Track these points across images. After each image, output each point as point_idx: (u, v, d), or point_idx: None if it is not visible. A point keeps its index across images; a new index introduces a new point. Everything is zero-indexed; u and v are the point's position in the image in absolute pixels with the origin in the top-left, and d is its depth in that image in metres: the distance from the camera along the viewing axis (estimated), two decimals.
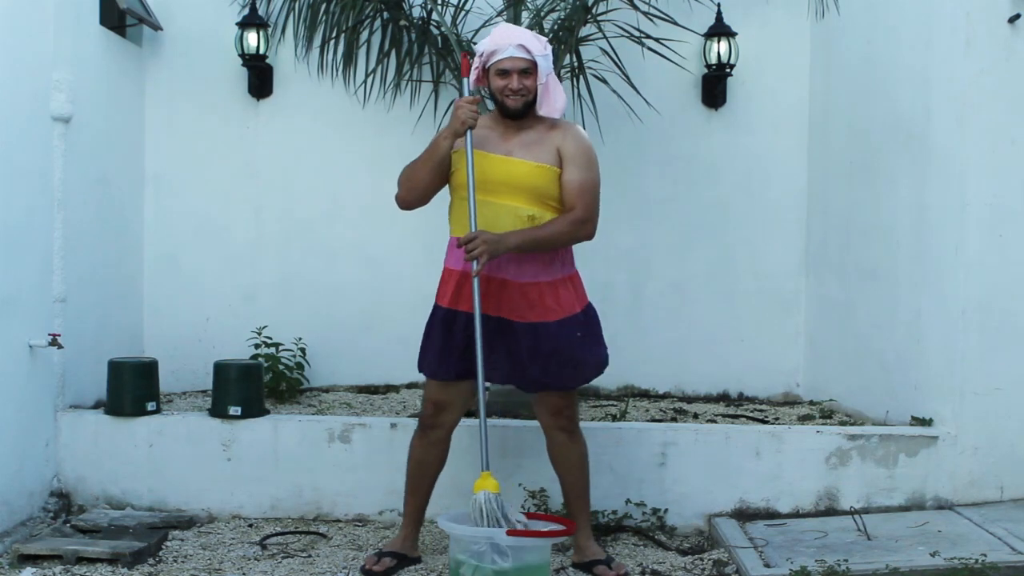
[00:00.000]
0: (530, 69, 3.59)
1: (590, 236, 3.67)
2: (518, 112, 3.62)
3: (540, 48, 3.62)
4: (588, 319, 3.75)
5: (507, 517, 3.40)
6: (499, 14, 5.14)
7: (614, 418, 4.87)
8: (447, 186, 3.74)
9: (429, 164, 3.62)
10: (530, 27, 4.96)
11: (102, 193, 5.00)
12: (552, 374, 3.67)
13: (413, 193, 3.69)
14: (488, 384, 3.67)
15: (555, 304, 3.65)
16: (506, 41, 3.60)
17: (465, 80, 3.67)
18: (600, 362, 3.78)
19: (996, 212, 4.26)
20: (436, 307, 3.73)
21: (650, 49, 5.12)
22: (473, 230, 3.50)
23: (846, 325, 5.24)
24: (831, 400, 5.34)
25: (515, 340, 3.64)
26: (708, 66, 5.59)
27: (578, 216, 3.60)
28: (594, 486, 4.01)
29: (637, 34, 5.08)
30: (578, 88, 5.26)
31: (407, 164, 3.73)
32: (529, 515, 3.68)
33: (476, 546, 3.32)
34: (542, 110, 3.66)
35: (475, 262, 3.46)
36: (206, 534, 4.23)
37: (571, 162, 3.63)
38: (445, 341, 3.67)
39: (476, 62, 3.67)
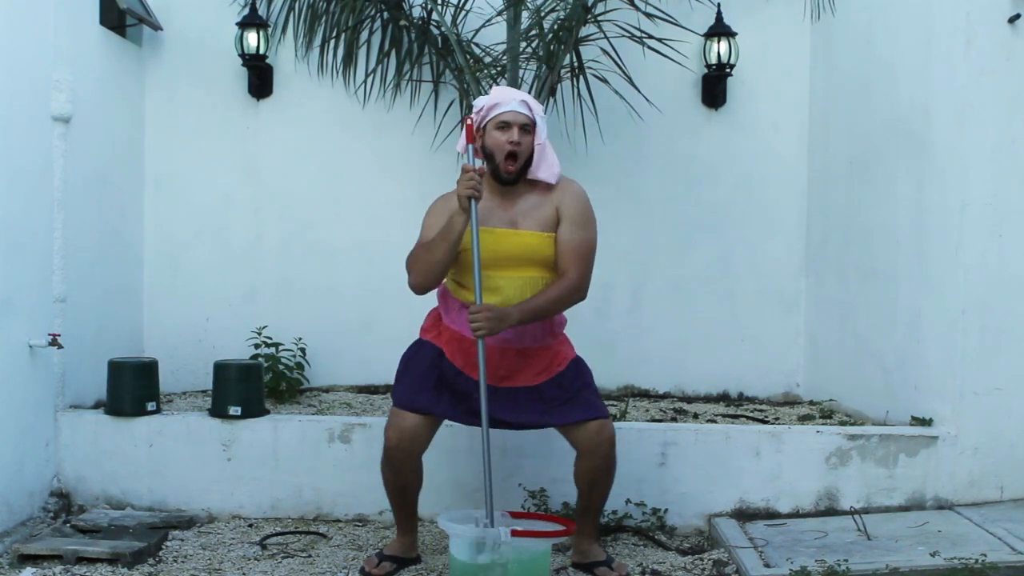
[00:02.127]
0: (530, 127, 3.58)
1: (583, 298, 3.64)
2: (512, 179, 3.59)
3: (539, 109, 3.64)
4: (578, 370, 3.75)
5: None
6: (499, 14, 5.14)
7: (614, 418, 4.86)
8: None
9: (446, 244, 3.51)
10: (530, 27, 4.98)
11: (102, 193, 5.00)
12: (582, 405, 3.66)
13: (431, 276, 3.57)
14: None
15: (537, 369, 3.68)
16: (508, 96, 3.60)
17: (470, 147, 3.60)
18: (591, 402, 3.71)
19: (996, 212, 4.26)
20: (428, 344, 3.71)
21: (651, 48, 5.12)
22: (479, 303, 3.49)
23: (846, 325, 5.24)
24: (831, 400, 5.34)
25: (526, 398, 3.66)
26: (708, 66, 5.59)
27: (572, 283, 3.57)
28: None
29: (637, 34, 5.08)
30: (578, 88, 5.27)
31: (413, 250, 3.63)
32: (529, 515, 3.68)
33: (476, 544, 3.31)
34: (540, 174, 3.62)
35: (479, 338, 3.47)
36: (206, 534, 4.24)
37: (569, 220, 3.60)
38: (434, 378, 3.64)
39: (474, 119, 3.62)
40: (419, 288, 3.62)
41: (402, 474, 3.69)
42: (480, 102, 3.65)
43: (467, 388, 3.62)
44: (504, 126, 3.56)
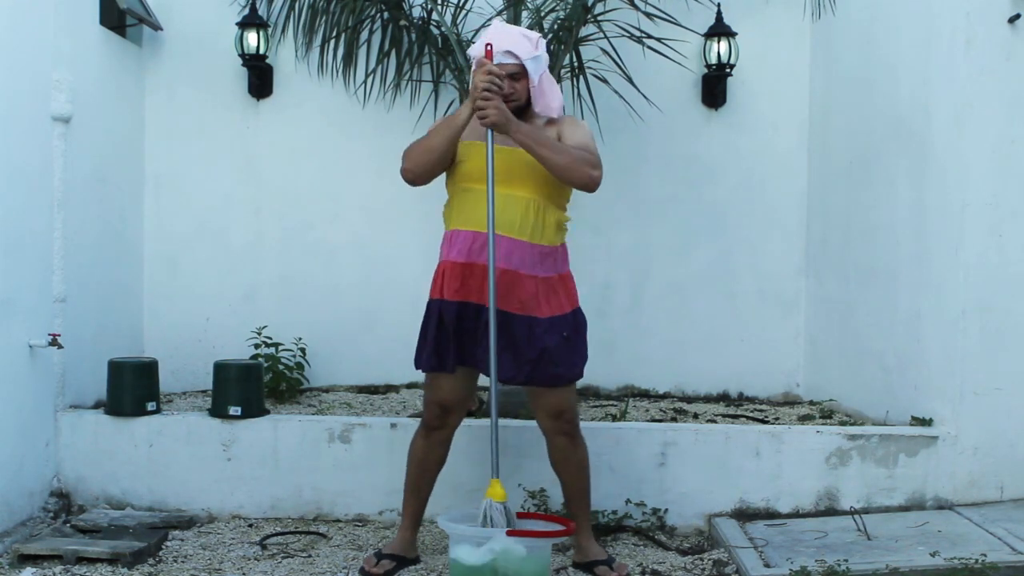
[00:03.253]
0: (519, 73, 3.58)
1: (592, 185, 3.58)
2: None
3: (530, 49, 3.58)
4: (576, 323, 3.73)
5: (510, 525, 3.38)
6: (499, 13, 5.13)
7: (614, 418, 4.87)
8: (444, 179, 3.73)
9: (446, 133, 3.55)
10: (530, 27, 4.96)
11: (102, 193, 5.00)
12: (534, 370, 3.63)
13: (424, 165, 3.59)
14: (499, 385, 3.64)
15: (546, 301, 3.64)
16: (495, 45, 3.56)
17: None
18: (575, 375, 3.73)
19: (996, 212, 4.26)
20: (430, 301, 3.71)
21: (651, 48, 5.12)
22: (490, 214, 3.47)
23: (846, 325, 5.24)
24: (831, 400, 5.34)
25: (509, 331, 3.60)
26: (708, 66, 5.59)
27: (589, 158, 3.55)
28: (594, 486, 4.01)
29: (637, 34, 5.08)
30: (578, 88, 5.27)
31: (414, 141, 3.68)
32: (529, 515, 3.68)
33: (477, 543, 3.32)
34: (537, 108, 3.65)
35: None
36: (206, 534, 4.24)
37: (572, 131, 3.63)
38: (440, 332, 3.65)
39: (473, 64, 3.66)
40: (410, 175, 3.63)
41: (435, 445, 3.76)
42: (473, 50, 3.66)
43: (468, 319, 3.61)
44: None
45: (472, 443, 4.22)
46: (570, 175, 3.55)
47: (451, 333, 3.63)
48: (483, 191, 3.53)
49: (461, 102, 5.31)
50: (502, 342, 3.56)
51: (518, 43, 3.58)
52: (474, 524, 3.42)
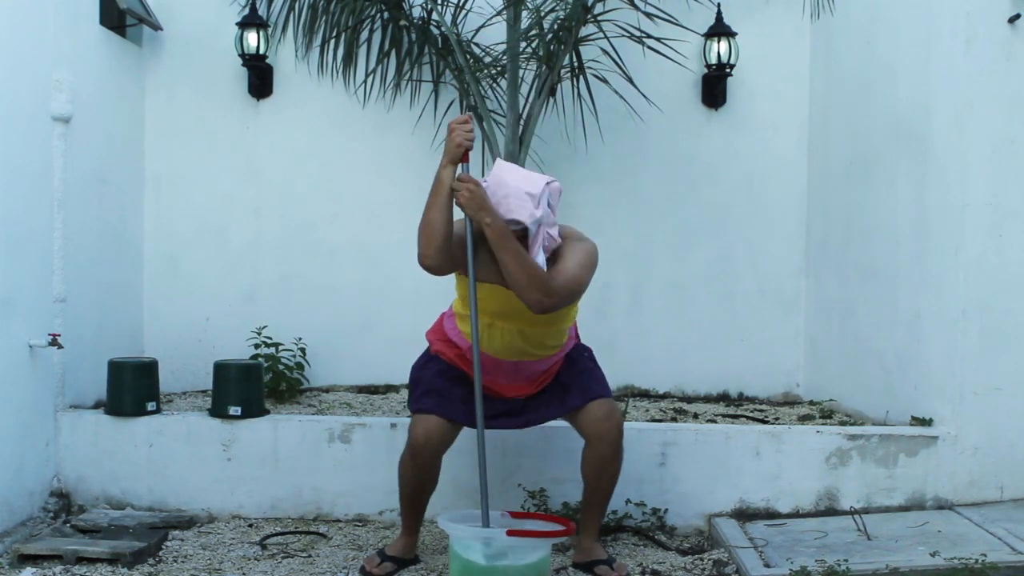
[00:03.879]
0: (517, 233, 3.42)
1: (536, 310, 3.39)
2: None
3: (532, 211, 3.39)
4: (579, 355, 3.83)
5: None
6: (499, 13, 5.14)
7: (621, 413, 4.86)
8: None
9: (438, 204, 3.40)
10: (530, 27, 4.97)
11: (102, 193, 5.00)
12: (584, 389, 3.72)
13: (432, 244, 3.40)
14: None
15: (549, 374, 3.76)
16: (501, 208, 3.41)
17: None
18: (607, 391, 3.81)
19: (996, 212, 4.26)
20: (440, 360, 3.74)
21: (651, 48, 5.12)
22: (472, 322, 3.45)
23: (846, 325, 5.24)
24: (831, 400, 5.34)
25: (537, 398, 3.74)
26: (708, 66, 5.59)
27: (551, 285, 3.37)
28: None
29: (637, 34, 5.08)
30: (578, 88, 5.27)
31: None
32: (529, 515, 3.68)
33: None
34: (532, 254, 3.43)
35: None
36: (206, 534, 4.24)
37: (570, 252, 3.49)
38: (445, 383, 3.69)
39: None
40: (425, 261, 3.44)
41: (424, 472, 3.72)
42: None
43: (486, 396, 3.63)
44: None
45: (472, 443, 4.20)
46: (518, 291, 3.38)
47: (454, 386, 3.68)
48: (502, 327, 3.55)
49: (461, 102, 5.33)
50: (535, 413, 3.73)
51: (520, 209, 3.40)
52: (475, 524, 3.42)
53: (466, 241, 3.44)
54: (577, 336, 3.88)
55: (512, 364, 3.64)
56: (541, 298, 3.37)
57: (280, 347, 5.29)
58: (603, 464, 3.72)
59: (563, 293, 3.42)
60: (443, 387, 3.69)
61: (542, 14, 4.91)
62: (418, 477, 3.72)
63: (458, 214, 3.44)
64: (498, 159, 3.70)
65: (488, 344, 3.58)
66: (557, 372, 3.77)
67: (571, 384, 3.73)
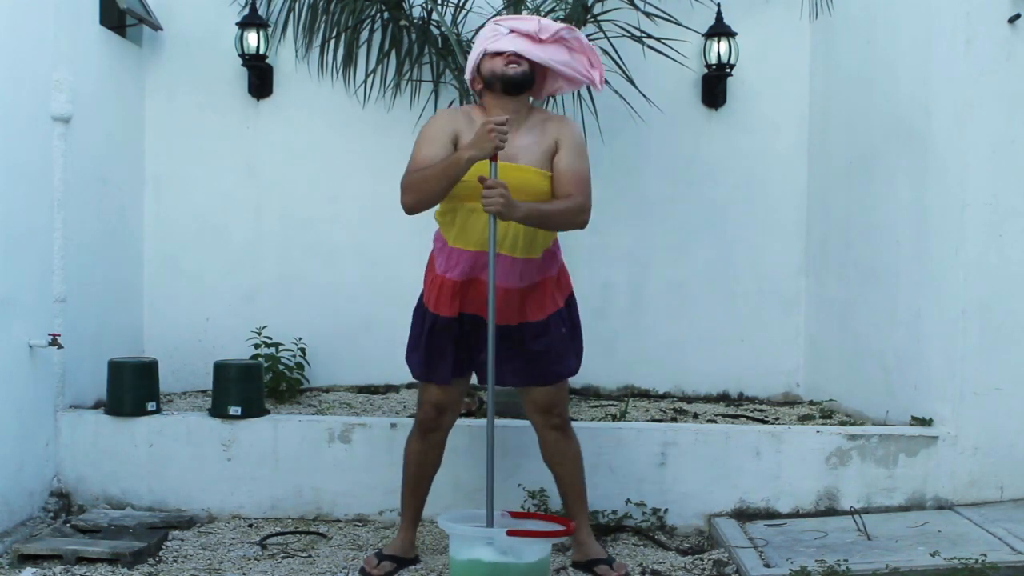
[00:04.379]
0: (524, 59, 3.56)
1: (584, 225, 3.63)
2: (520, 80, 3.55)
3: (533, 50, 3.55)
4: (570, 311, 3.79)
5: None
6: (498, 13, 5.13)
7: (614, 418, 4.87)
8: None
9: (446, 180, 3.45)
10: None
11: (102, 193, 5.00)
12: (536, 371, 3.70)
13: (423, 204, 3.54)
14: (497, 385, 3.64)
15: (539, 306, 3.69)
16: (498, 31, 3.60)
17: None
18: (572, 371, 3.78)
19: (996, 212, 4.26)
20: (425, 311, 3.72)
21: (651, 48, 5.12)
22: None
23: (846, 325, 5.24)
24: (831, 400, 5.34)
25: (508, 340, 3.64)
26: (708, 66, 5.59)
27: (580, 203, 3.56)
28: (594, 486, 4.02)
29: (637, 34, 5.08)
30: (578, 88, 5.26)
31: (415, 171, 3.55)
32: (529, 515, 3.68)
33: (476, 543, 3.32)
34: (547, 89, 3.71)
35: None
36: (206, 534, 4.24)
37: (567, 151, 3.60)
38: (432, 342, 3.68)
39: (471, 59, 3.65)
40: (411, 209, 3.56)
41: (432, 447, 3.77)
42: (471, 59, 3.65)
43: (464, 331, 3.65)
44: (495, 53, 3.56)
45: (472, 443, 4.23)
46: (564, 229, 3.66)
47: (447, 345, 3.67)
48: (478, 209, 3.52)
49: (461, 103, 5.32)
50: (502, 353, 3.60)
51: (525, 38, 3.56)
52: (475, 524, 3.42)
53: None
54: (561, 259, 3.82)
55: (503, 259, 3.55)
56: (583, 219, 3.60)
57: (280, 347, 5.29)
58: (556, 448, 3.78)
59: (586, 193, 3.60)
60: (439, 347, 3.68)
61: (542, 14, 4.91)
62: (424, 454, 3.78)
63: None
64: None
65: (472, 234, 3.56)
66: (532, 335, 3.68)
67: (532, 358, 3.67)
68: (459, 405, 3.85)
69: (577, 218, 3.59)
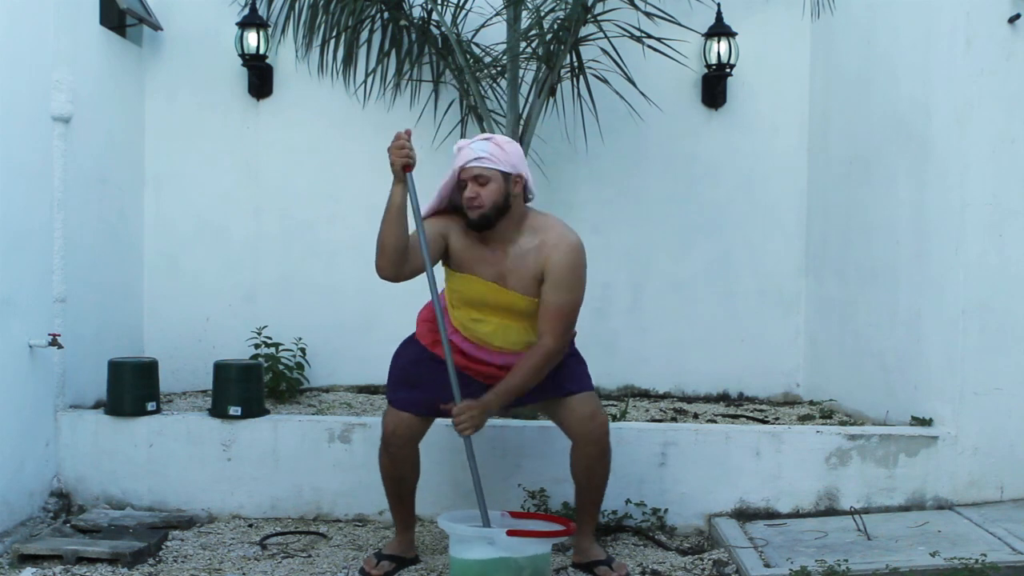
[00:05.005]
0: (484, 177, 3.49)
1: (560, 359, 3.62)
2: (482, 224, 3.52)
3: (506, 156, 3.52)
4: (571, 345, 3.80)
5: None
6: (498, 13, 5.14)
7: (614, 418, 4.86)
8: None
9: (388, 220, 3.47)
10: (530, 27, 4.97)
11: (102, 193, 5.01)
12: (559, 384, 3.70)
13: (385, 256, 3.51)
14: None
15: None
16: (464, 154, 3.54)
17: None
18: (587, 387, 3.77)
19: (996, 212, 4.26)
20: (420, 346, 3.76)
21: (651, 48, 5.12)
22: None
23: (846, 325, 5.24)
24: (831, 400, 5.34)
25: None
26: (708, 66, 5.59)
27: (548, 349, 3.53)
28: None
29: (637, 34, 5.08)
30: (578, 88, 5.27)
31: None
32: (529, 515, 3.68)
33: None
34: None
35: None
36: (206, 534, 4.24)
37: (551, 284, 3.53)
38: (413, 374, 3.72)
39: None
40: (381, 271, 3.57)
41: (399, 463, 3.74)
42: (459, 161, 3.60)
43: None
44: (463, 185, 3.53)
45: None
46: (543, 375, 3.60)
47: (424, 380, 3.69)
48: (488, 320, 3.59)
49: (461, 102, 5.34)
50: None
51: (492, 148, 3.53)
52: (475, 524, 3.42)
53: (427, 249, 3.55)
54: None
55: (498, 351, 3.63)
56: (555, 359, 3.59)
57: (280, 347, 5.29)
58: (591, 464, 3.72)
59: (561, 333, 3.56)
60: (419, 374, 3.70)
61: (542, 14, 4.91)
62: (393, 467, 3.75)
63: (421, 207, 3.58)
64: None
65: (473, 332, 3.61)
66: None
67: (551, 378, 3.67)
68: (420, 433, 3.76)
69: (551, 362, 3.57)
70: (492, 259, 3.59)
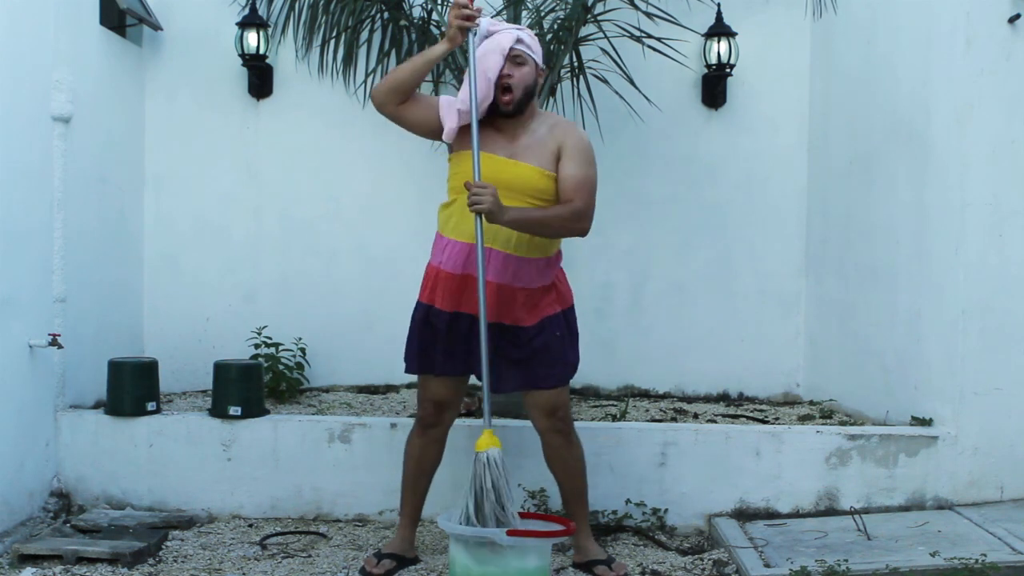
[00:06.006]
0: (523, 58, 3.58)
1: (585, 232, 3.61)
2: (512, 111, 3.59)
3: (534, 46, 3.64)
4: (568, 318, 3.77)
5: (508, 484, 3.39)
6: (498, 13, 5.14)
7: (614, 418, 4.87)
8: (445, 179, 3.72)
9: (414, 63, 3.60)
10: (530, 27, 4.97)
11: (102, 193, 5.01)
12: (532, 375, 3.68)
13: (386, 84, 3.59)
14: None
15: (535, 309, 3.67)
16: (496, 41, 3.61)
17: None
18: (573, 363, 3.77)
19: (996, 212, 4.26)
20: (420, 304, 3.74)
21: (651, 48, 5.12)
22: (476, 179, 3.47)
23: (846, 325, 5.24)
24: (831, 400, 5.34)
25: (502, 341, 3.65)
26: (708, 66, 5.59)
27: (578, 208, 3.54)
28: (594, 486, 4.01)
29: (637, 34, 5.08)
30: (578, 88, 5.27)
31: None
32: (529, 515, 3.68)
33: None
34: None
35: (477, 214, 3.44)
36: (206, 534, 4.24)
37: (570, 158, 3.59)
38: (427, 336, 3.69)
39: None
40: (376, 94, 3.62)
41: (429, 443, 3.78)
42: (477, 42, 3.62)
43: (460, 329, 3.64)
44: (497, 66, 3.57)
45: (472, 442, 4.20)
46: (561, 235, 3.66)
47: (441, 340, 3.67)
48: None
49: None
50: (499, 356, 3.62)
51: (524, 37, 3.63)
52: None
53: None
54: (567, 289, 3.81)
55: (497, 255, 3.55)
56: (582, 223, 3.57)
57: (280, 347, 5.29)
58: (560, 454, 3.77)
59: (587, 199, 3.57)
60: (429, 338, 3.69)
61: (542, 14, 4.91)
62: (423, 448, 3.79)
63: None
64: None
65: (467, 225, 3.54)
66: (526, 337, 3.67)
67: (528, 359, 3.66)
68: (458, 403, 3.84)
69: (575, 224, 3.56)
70: (503, 140, 3.61)
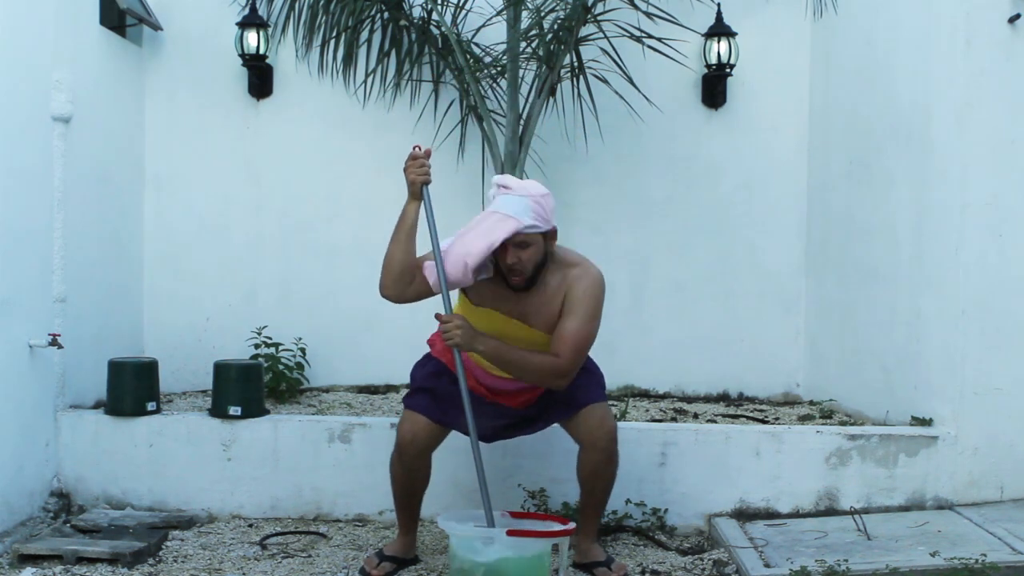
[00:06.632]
0: (526, 241, 3.43)
1: (560, 387, 3.55)
2: (526, 287, 3.51)
3: (538, 210, 3.44)
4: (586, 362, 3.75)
5: None
6: (499, 13, 5.14)
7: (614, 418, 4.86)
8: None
9: (398, 239, 3.46)
10: (530, 27, 4.97)
11: (102, 193, 5.01)
12: (564, 405, 3.70)
13: (390, 276, 3.46)
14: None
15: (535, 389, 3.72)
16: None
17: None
18: (599, 397, 3.74)
19: (996, 212, 4.26)
20: (433, 359, 3.78)
21: (651, 48, 5.12)
22: (447, 312, 3.47)
23: (846, 325, 5.24)
24: (831, 400, 5.34)
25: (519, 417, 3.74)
26: (708, 66, 5.59)
27: (561, 367, 3.45)
28: None
29: (637, 34, 5.08)
30: (578, 88, 5.27)
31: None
32: (528, 515, 3.68)
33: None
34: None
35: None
36: (206, 534, 4.24)
37: (571, 310, 3.50)
38: (439, 386, 3.71)
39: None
40: (384, 289, 3.50)
41: (413, 471, 3.73)
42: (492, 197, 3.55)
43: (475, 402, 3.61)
44: (501, 248, 3.44)
45: (467, 443, 4.21)
46: (535, 383, 3.58)
47: (440, 388, 3.69)
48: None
49: (461, 102, 5.33)
50: (539, 422, 3.76)
51: (528, 201, 3.45)
52: (479, 524, 3.42)
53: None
54: None
55: (512, 381, 3.62)
56: (559, 381, 3.51)
57: (280, 347, 5.29)
58: (597, 469, 3.71)
59: (575, 359, 3.48)
60: (436, 386, 3.71)
61: (542, 14, 4.91)
62: (407, 476, 3.74)
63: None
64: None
65: (489, 365, 3.58)
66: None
67: (567, 393, 3.66)
68: (437, 441, 3.75)
69: (553, 381, 3.50)
70: (515, 297, 3.54)
